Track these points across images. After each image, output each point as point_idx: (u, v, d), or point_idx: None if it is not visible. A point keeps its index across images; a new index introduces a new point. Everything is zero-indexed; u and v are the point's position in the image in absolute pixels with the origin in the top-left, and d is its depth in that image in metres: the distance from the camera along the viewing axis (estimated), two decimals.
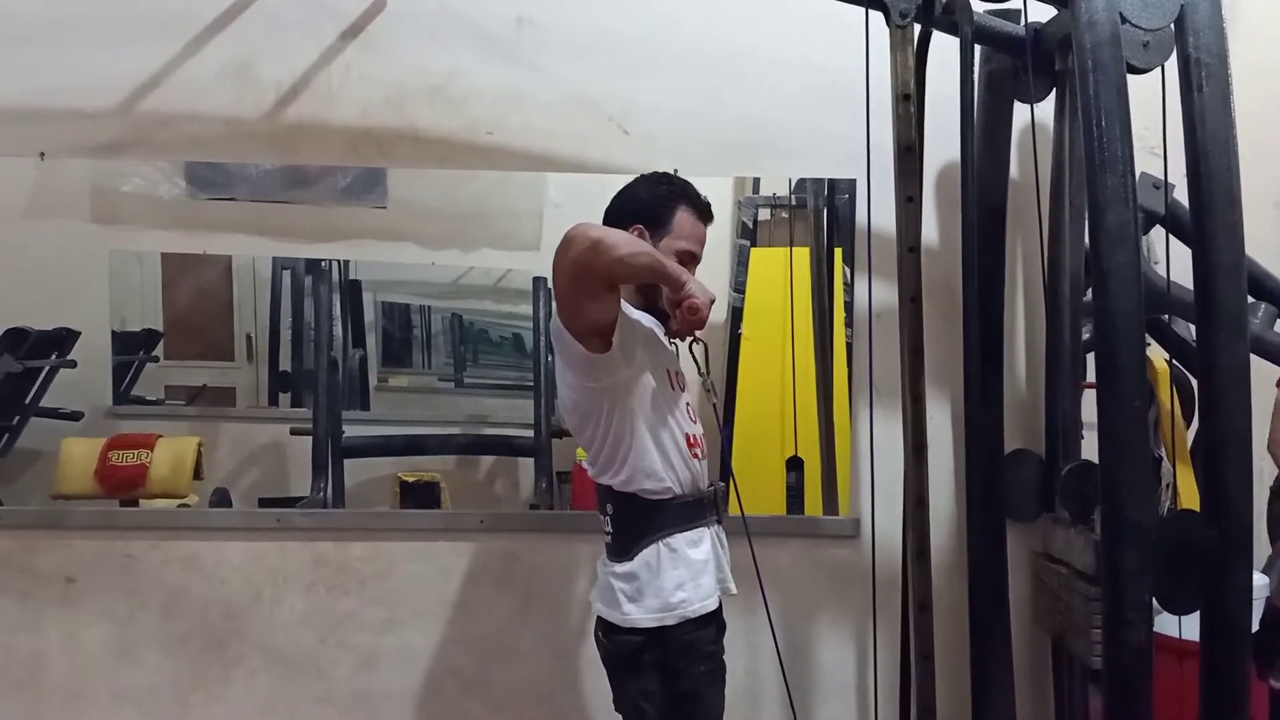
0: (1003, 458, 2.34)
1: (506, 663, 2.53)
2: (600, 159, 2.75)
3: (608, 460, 2.09)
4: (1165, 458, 2.76)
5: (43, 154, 3.88)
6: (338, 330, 4.99)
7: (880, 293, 2.54)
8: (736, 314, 4.51)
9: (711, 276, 4.73)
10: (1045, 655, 2.50)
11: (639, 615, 2.09)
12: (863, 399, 2.55)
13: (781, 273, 4.43)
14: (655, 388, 2.09)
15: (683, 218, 2.19)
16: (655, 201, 2.18)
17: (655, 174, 2.26)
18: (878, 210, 2.53)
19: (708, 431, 2.28)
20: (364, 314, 5.06)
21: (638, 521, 2.11)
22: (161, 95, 3.12)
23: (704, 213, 2.23)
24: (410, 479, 4.26)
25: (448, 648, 2.52)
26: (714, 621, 2.15)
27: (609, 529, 2.16)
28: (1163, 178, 2.38)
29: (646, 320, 2.15)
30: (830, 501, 2.88)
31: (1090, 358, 2.41)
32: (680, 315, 2.09)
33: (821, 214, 2.98)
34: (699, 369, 2.22)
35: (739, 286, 4.53)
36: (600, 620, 2.16)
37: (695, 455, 2.19)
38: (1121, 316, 1.97)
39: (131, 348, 4.85)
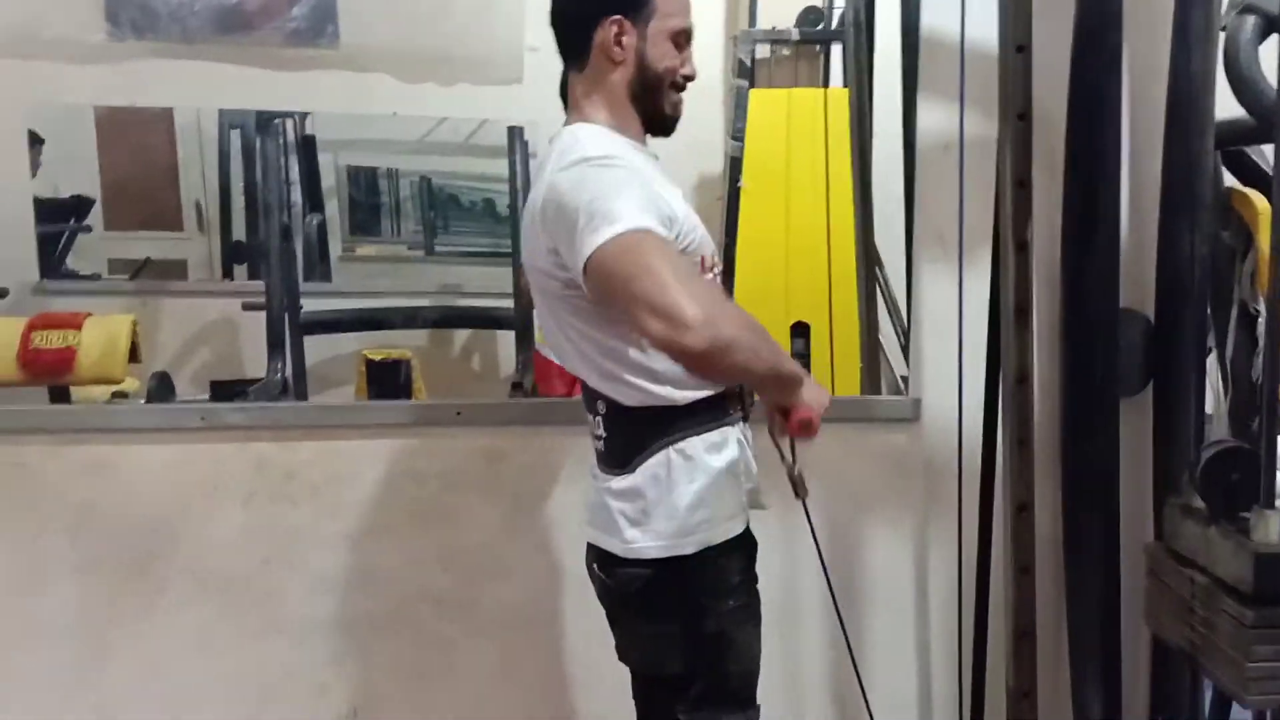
0: (1116, 321, 1.76)
1: (492, 582, 2.01)
2: None
3: (610, 372, 1.52)
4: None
5: None
6: (297, 195, 4.37)
7: (944, 118, 1.93)
8: (735, 165, 3.93)
9: (705, 124, 4.21)
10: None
11: (646, 543, 1.53)
12: (929, 253, 1.96)
13: (785, 117, 3.83)
14: None
15: None
16: None
17: None
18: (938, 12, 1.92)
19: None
20: (321, 175, 4.42)
21: (641, 422, 1.55)
22: None
23: None
24: (377, 357, 3.69)
25: (420, 567, 2.00)
26: (743, 544, 1.60)
27: (600, 431, 1.59)
28: None
29: (654, 181, 1.51)
30: (872, 377, 2.32)
31: None
32: (787, 424, 1.57)
33: (863, 31, 2.33)
34: (788, 467, 1.64)
35: (737, 134, 3.93)
36: (594, 549, 1.61)
37: None
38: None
39: (59, 216, 4.18)
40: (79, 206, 4.23)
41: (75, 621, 1.96)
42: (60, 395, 3.37)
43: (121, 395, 3.26)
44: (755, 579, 1.66)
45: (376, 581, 2.02)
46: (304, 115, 4.34)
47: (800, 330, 3.64)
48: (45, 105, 3.86)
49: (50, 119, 4.10)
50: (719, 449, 1.56)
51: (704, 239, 1.57)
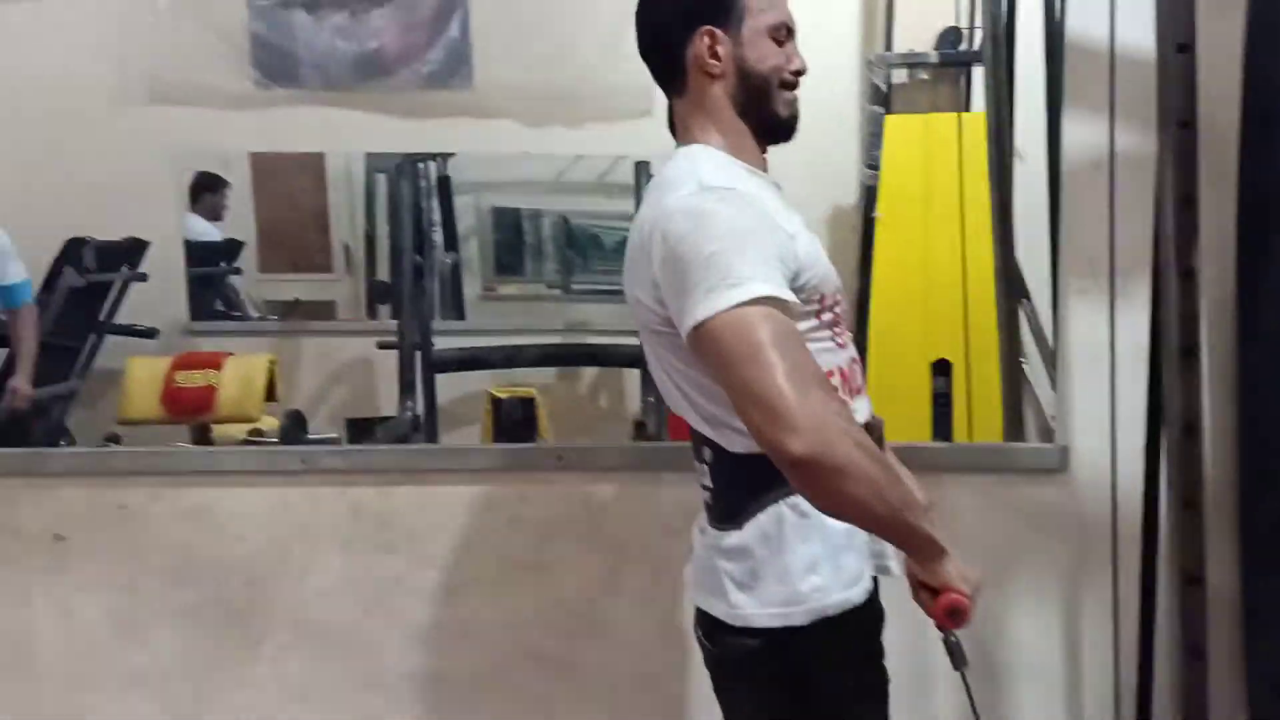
0: None
1: (592, 640, 1.85)
2: None
3: (713, 415, 1.35)
4: None
5: None
6: (438, 236, 4.39)
7: (1093, 132, 1.71)
8: (870, 195, 3.73)
9: (837, 153, 4.02)
10: None
11: (754, 610, 1.34)
12: (1078, 283, 1.73)
13: (924, 143, 3.61)
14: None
15: None
16: None
17: None
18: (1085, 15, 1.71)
19: None
20: (457, 216, 4.42)
21: (751, 472, 1.37)
22: None
23: None
24: (502, 394, 3.63)
25: (521, 621, 1.85)
26: (865, 614, 1.40)
27: (707, 481, 1.42)
28: None
29: (776, 213, 1.33)
30: (1015, 421, 2.08)
31: None
32: (932, 609, 1.30)
33: (1001, 47, 2.11)
34: (943, 633, 1.35)
35: (872, 162, 3.73)
36: (700, 614, 1.44)
37: (851, 386, 1.41)
38: None
39: (211, 259, 4.30)
40: (230, 249, 4.35)
41: (173, 669, 1.92)
42: (201, 433, 3.44)
43: (258, 433, 3.29)
44: (880, 653, 1.47)
45: (473, 635, 1.90)
46: (446, 157, 4.38)
47: (941, 368, 3.40)
48: (198, 152, 3.99)
49: (205, 165, 4.24)
50: None
51: (826, 275, 1.39)
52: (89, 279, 3.56)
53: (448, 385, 3.79)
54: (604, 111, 3.70)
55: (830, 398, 1.21)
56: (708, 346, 1.21)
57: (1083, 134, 1.75)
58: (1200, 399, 1.54)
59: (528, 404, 3.53)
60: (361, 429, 3.61)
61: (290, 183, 4.74)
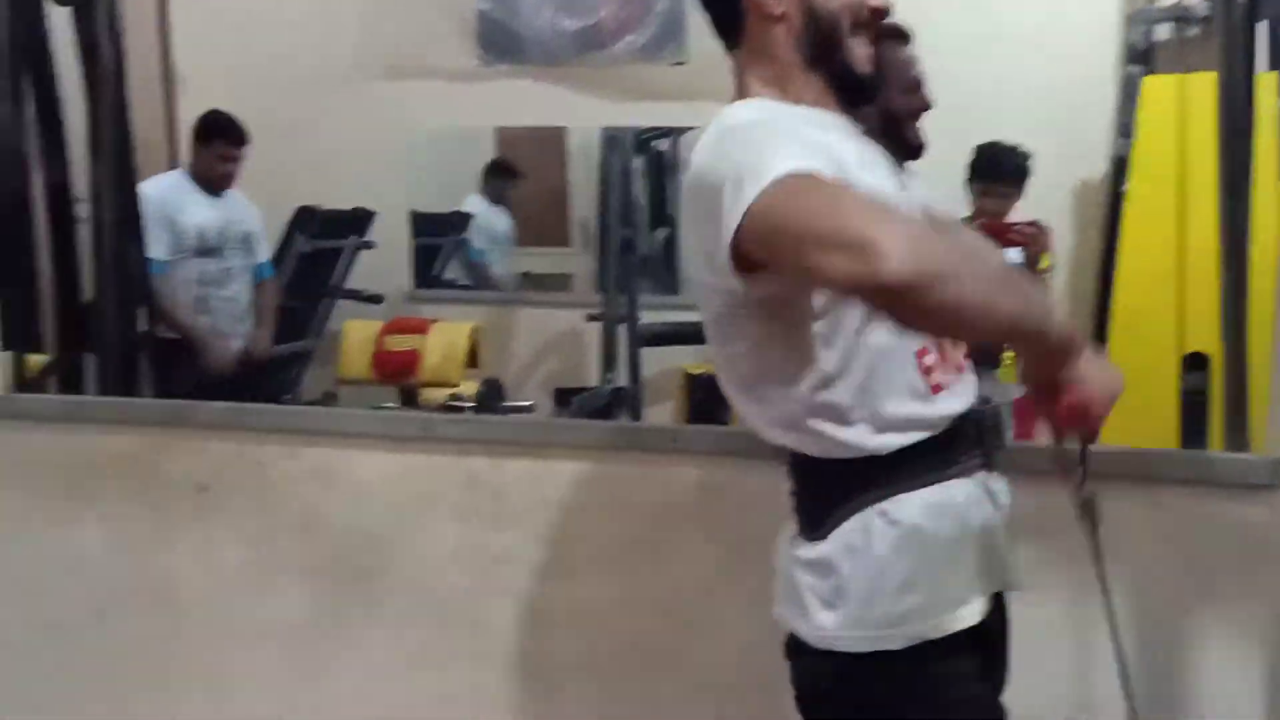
0: None
1: (707, 634, 1.69)
2: None
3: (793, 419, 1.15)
4: None
5: None
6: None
7: None
8: (1120, 166, 3.29)
9: (1087, 121, 3.57)
10: None
11: (839, 630, 1.15)
12: None
13: (1183, 107, 3.12)
14: None
15: None
16: None
17: None
18: None
19: None
20: (668, 191, 4.33)
21: (832, 476, 1.17)
22: None
23: None
24: (696, 371, 3.51)
25: (630, 607, 1.72)
26: (976, 640, 1.16)
27: (790, 485, 1.23)
28: None
29: (831, 143, 1.12)
30: (1236, 431, 1.71)
31: None
32: (1055, 409, 1.10)
33: None
34: (1073, 478, 1.19)
35: (1124, 129, 3.29)
36: (788, 633, 1.24)
37: (935, 382, 1.15)
38: None
39: (438, 231, 4.43)
40: (459, 221, 4.48)
41: (299, 624, 1.93)
42: (408, 395, 3.55)
43: (456, 398, 3.35)
44: (996, 685, 1.23)
45: (583, 618, 1.80)
46: (681, 132, 4.28)
47: (1196, 362, 2.95)
48: (426, 127, 4.11)
49: (446, 141, 4.38)
50: (943, 512, 1.14)
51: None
52: (315, 245, 3.76)
53: (654, 359, 3.71)
54: None
55: (910, 220, 1.04)
56: (758, 241, 1.03)
57: None
58: None
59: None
60: (565, 399, 3.60)
61: (533, 158, 4.83)
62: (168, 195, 3.29)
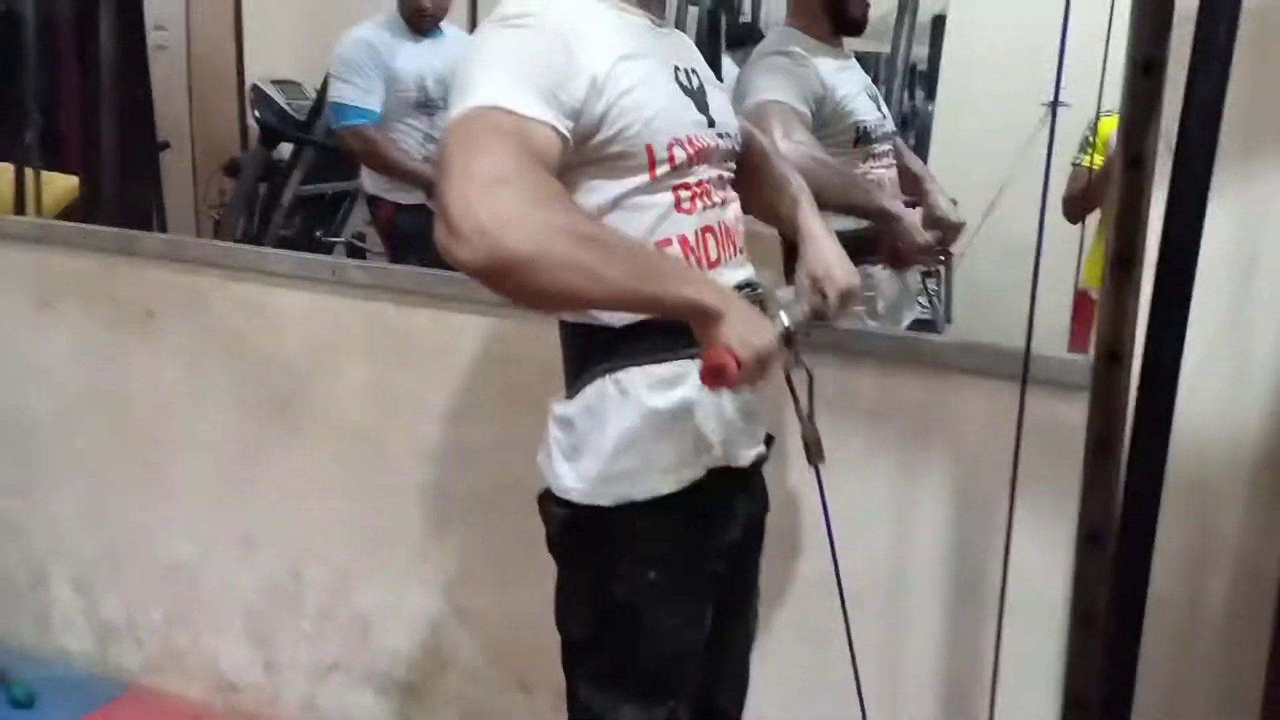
0: None
1: None
2: None
3: None
4: None
5: None
6: None
7: None
8: None
9: None
10: None
11: (570, 483, 1.23)
12: None
13: None
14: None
15: None
16: None
17: None
18: None
19: None
20: None
21: (580, 341, 1.23)
22: None
23: None
24: None
25: (513, 449, 1.81)
26: (684, 505, 1.24)
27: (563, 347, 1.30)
28: None
29: (594, 46, 1.10)
30: None
31: None
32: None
33: None
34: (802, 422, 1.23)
35: None
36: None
37: (697, 257, 1.18)
38: None
39: None
40: None
41: (227, 442, 2.08)
42: None
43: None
44: (710, 553, 1.29)
45: (471, 458, 1.91)
46: None
47: None
48: None
49: None
50: (668, 386, 1.20)
51: (667, 126, 1.16)
52: None
53: None
54: None
55: (545, 188, 1.00)
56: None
57: None
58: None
59: None
60: None
61: None
62: (378, 39, 2.77)
